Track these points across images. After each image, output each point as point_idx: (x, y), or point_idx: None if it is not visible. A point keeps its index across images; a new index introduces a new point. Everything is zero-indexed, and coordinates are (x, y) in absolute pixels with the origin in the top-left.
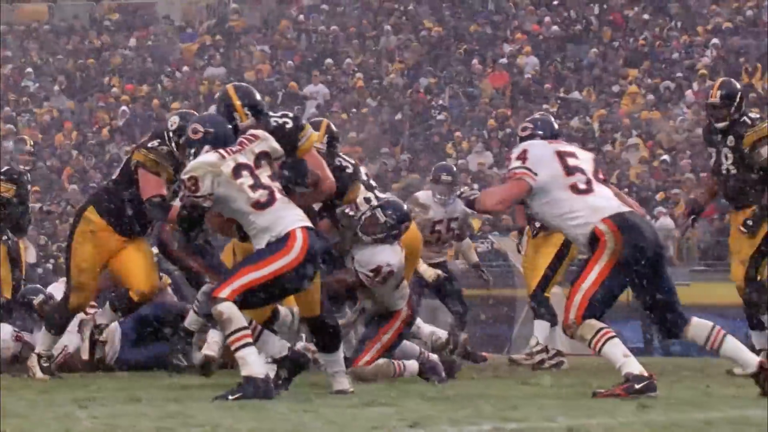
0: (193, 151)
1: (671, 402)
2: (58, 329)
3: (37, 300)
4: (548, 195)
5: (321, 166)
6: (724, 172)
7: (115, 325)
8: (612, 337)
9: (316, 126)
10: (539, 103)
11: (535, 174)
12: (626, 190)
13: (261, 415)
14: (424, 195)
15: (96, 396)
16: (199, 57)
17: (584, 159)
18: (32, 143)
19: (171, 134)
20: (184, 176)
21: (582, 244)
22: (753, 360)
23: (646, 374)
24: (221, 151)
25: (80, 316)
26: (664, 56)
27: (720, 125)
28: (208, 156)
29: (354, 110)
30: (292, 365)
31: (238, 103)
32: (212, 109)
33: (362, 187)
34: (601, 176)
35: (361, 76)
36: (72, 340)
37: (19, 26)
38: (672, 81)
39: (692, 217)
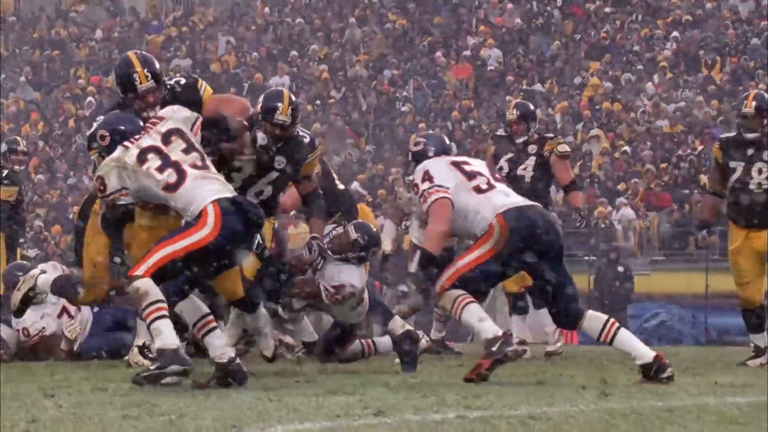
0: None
1: (631, 390)
2: (56, 291)
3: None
4: (459, 207)
5: (224, 99)
6: (752, 187)
7: (88, 314)
8: (469, 302)
9: (276, 96)
10: (502, 95)
11: (447, 188)
12: (588, 180)
13: (226, 404)
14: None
15: (62, 385)
16: (165, 49)
17: (478, 165)
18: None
19: None
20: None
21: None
22: (647, 352)
23: (500, 333)
24: (125, 143)
25: (63, 301)
26: (625, 49)
27: (751, 136)
28: (114, 152)
29: (319, 102)
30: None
31: (139, 69)
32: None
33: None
34: (497, 176)
35: (326, 68)
36: (50, 324)
37: None
38: (633, 73)
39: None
